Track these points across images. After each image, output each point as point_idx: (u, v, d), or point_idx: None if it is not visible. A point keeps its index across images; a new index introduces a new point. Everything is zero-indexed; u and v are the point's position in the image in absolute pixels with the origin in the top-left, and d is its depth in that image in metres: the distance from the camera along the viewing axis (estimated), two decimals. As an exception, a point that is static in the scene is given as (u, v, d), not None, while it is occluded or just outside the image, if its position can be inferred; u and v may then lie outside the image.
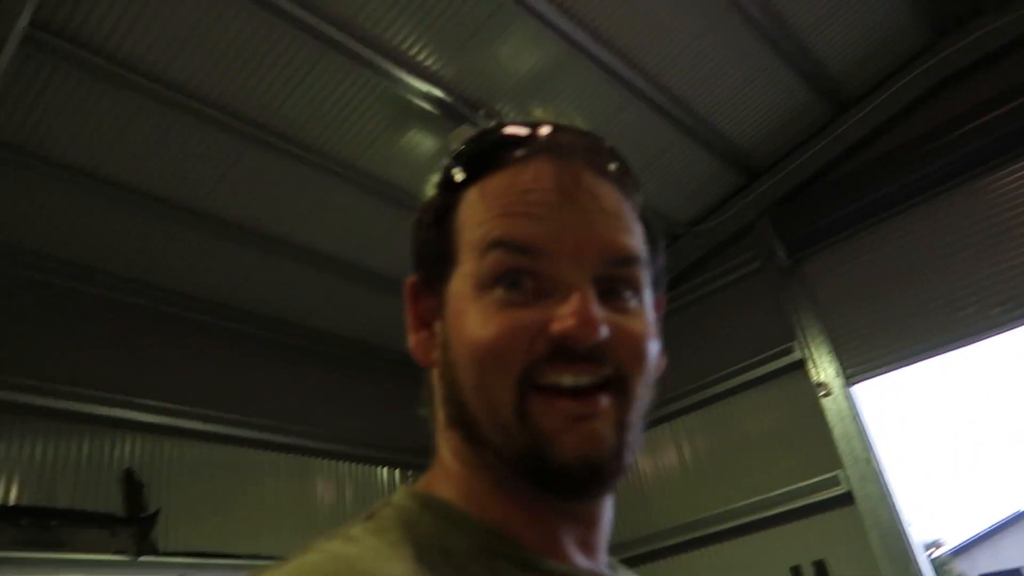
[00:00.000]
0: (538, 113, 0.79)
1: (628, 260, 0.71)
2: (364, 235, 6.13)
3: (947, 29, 5.89)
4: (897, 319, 6.07)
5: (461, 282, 0.72)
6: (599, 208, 0.71)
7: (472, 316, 0.69)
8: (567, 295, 0.67)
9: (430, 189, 0.80)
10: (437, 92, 5.14)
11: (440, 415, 0.77)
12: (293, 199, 5.61)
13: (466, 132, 4.04)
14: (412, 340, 0.79)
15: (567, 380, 0.67)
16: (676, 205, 6.96)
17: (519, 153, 0.73)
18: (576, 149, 0.74)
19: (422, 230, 0.79)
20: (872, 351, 6.18)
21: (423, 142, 5.52)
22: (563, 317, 0.66)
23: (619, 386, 0.69)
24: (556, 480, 0.66)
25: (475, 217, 0.72)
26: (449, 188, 0.77)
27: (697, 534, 6.60)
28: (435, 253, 0.76)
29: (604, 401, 0.68)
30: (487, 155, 0.75)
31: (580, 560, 0.73)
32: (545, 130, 0.76)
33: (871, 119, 6.35)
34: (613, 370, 0.68)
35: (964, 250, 5.84)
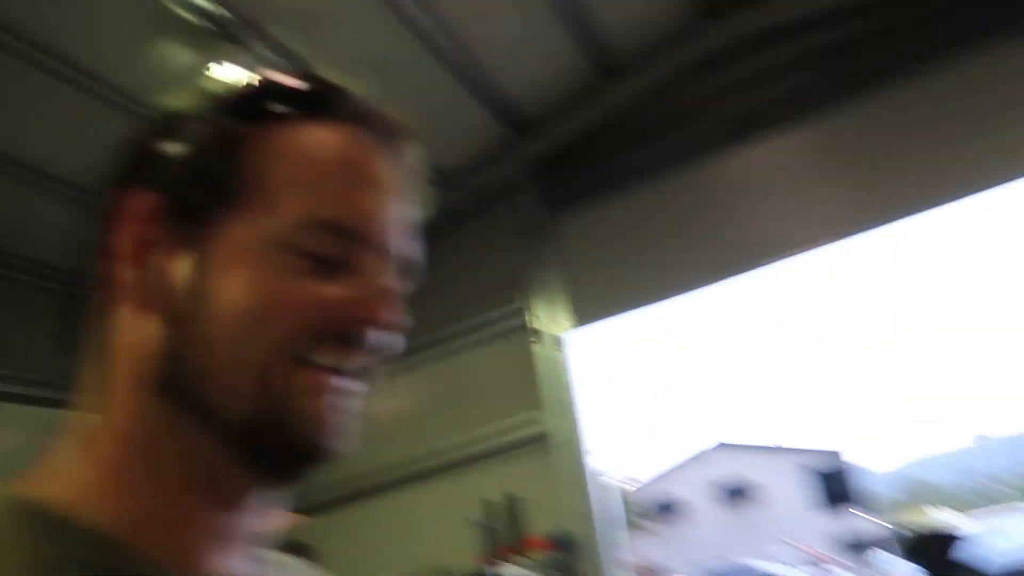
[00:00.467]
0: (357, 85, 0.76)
1: (417, 270, 0.75)
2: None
3: (715, 12, 6.58)
4: (618, 276, 6.99)
5: (248, 231, 0.65)
6: (418, 201, 0.74)
7: (252, 272, 0.64)
8: (372, 281, 0.68)
9: (205, 105, 0.70)
10: (203, 2, 4.74)
11: (123, 370, 0.67)
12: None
13: (232, 53, 3.69)
14: (122, 270, 0.67)
15: (337, 363, 0.66)
16: (439, 152, 7.05)
17: (349, 112, 0.70)
18: (403, 130, 0.75)
19: (193, 150, 0.68)
20: (592, 303, 7.01)
21: (179, 56, 5.05)
22: (368, 303, 0.66)
23: (368, 375, 0.71)
24: (288, 457, 0.65)
25: (290, 170, 0.66)
26: (255, 116, 0.68)
27: (394, 475, 7.00)
28: (209, 184, 0.67)
29: (356, 386, 0.69)
30: (317, 98, 0.70)
31: (222, 563, 0.68)
32: (369, 99, 0.74)
33: (633, 88, 6.97)
34: (377, 361, 0.71)
35: (686, 220, 6.80)
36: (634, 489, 31.11)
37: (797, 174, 6.58)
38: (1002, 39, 5.75)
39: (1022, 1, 5.76)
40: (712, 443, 36.34)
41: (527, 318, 6.97)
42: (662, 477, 35.49)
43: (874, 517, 31.53)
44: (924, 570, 2.48)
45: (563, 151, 7.28)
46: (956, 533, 2.62)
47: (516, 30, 6.23)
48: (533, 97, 6.99)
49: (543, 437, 6.61)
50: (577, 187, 7.21)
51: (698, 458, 35.78)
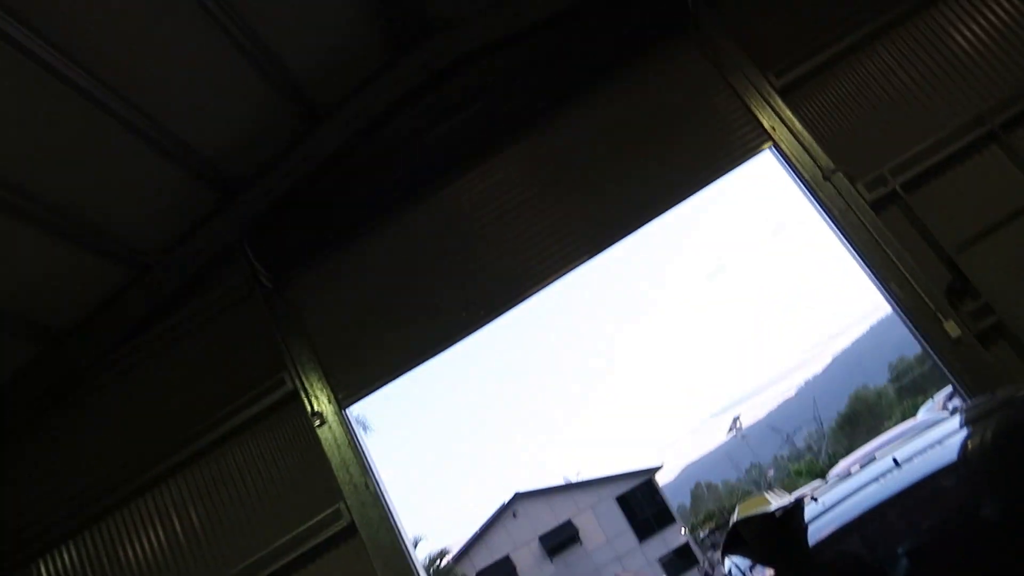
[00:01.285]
0: None
1: None
2: None
3: (403, 48, 6.57)
4: (382, 334, 6.55)
5: None
6: None
7: None
8: None
9: None
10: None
11: None
12: None
13: None
14: None
15: None
16: (142, 230, 6.36)
17: None
18: None
19: None
20: (363, 370, 6.53)
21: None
22: None
23: None
24: None
25: None
26: None
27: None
28: None
29: None
30: None
31: None
32: None
33: (342, 132, 6.71)
34: None
35: (431, 259, 6.63)
36: (451, 557, 30.28)
37: (524, 195, 6.62)
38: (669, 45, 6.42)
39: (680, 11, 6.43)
40: (509, 495, 36.51)
41: (304, 400, 6.35)
42: (475, 540, 34.98)
43: (683, 526, 33.54)
44: (750, 559, 2.51)
45: (280, 211, 6.73)
46: (771, 511, 2.68)
47: (209, 83, 5.73)
48: (237, 155, 6.45)
49: (352, 529, 6.01)
50: (303, 246, 6.75)
51: (502, 513, 35.78)
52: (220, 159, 6.39)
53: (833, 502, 2.89)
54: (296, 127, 6.64)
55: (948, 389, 17.22)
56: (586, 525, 35.44)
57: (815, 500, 3.00)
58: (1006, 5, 6.11)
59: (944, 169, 5.79)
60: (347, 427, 6.34)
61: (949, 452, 2.97)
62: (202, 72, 5.60)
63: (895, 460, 2.94)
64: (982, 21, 6.09)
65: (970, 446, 2.91)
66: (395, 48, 6.53)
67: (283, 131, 6.59)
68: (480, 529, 36.00)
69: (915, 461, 2.93)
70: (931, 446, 3.02)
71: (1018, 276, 5.58)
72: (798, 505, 2.97)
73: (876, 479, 2.95)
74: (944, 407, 15.24)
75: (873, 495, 2.81)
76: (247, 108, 6.17)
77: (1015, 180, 5.70)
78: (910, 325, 5.73)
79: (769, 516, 2.83)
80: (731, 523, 3.00)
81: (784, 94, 6.17)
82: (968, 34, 6.10)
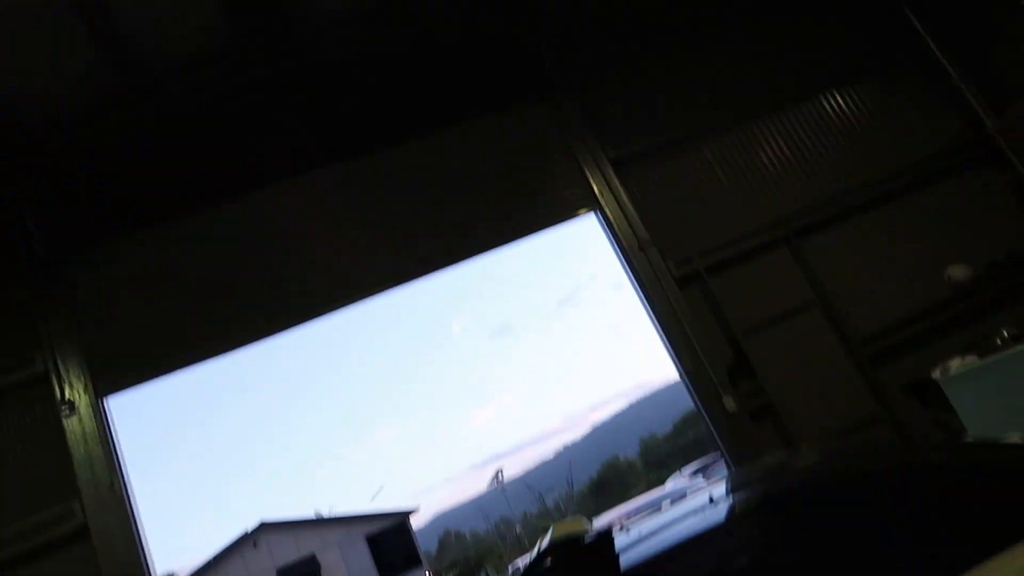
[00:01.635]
0: None
1: None
2: None
3: (251, 41, 6.11)
4: (164, 327, 6.03)
5: None
6: None
7: None
8: None
9: None
10: None
11: None
12: None
13: None
14: None
15: None
16: None
17: None
18: None
19: None
20: (132, 361, 5.94)
21: None
22: None
23: None
24: None
25: None
26: None
27: None
28: None
29: None
30: None
31: None
32: None
33: (164, 107, 6.12)
34: None
35: (234, 261, 6.27)
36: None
37: (343, 215, 6.55)
38: (522, 104, 6.78)
39: (538, 76, 6.85)
40: (255, 522, 34.50)
41: (54, 385, 5.66)
42: (208, 567, 32.37)
43: (427, 571, 33.34)
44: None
45: (70, 179, 6.09)
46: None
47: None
48: (34, 100, 5.60)
49: (83, 532, 5.36)
50: (93, 219, 6.14)
51: (243, 541, 33.59)
52: (17, 100, 5.55)
53: (644, 534, 2.89)
54: (114, 89, 5.91)
55: (694, 465, 18.79)
56: (330, 561, 34.15)
57: (624, 530, 2.99)
58: (805, 132, 7.00)
59: (742, 261, 6.48)
60: (101, 420, 5.69)
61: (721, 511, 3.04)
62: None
63: (711, 498, 3.00)
64: (786, 142, 6.95)
65: (738, 508, 2.96)
66: (243, 41, 6.10)
67: (98, 88, 5.84)
68: (215, 555, 33.50)
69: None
70: (703, 507, 3.06)
71: (787, 364, 6.23)
72: (609, 533, 2.93)
73: (686, 516, 2.95)
74: (691, 478, 16.76)
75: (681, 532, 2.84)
76: (59, 48, 5.41)
77: (799, 281, 6.44)
78: (693, 396, 6.19)
79: (579, 541, 2.79)
80: (542, 546, 2.92)
81: (616, 165, 6.60)
82: (775, 150, 6.92)
